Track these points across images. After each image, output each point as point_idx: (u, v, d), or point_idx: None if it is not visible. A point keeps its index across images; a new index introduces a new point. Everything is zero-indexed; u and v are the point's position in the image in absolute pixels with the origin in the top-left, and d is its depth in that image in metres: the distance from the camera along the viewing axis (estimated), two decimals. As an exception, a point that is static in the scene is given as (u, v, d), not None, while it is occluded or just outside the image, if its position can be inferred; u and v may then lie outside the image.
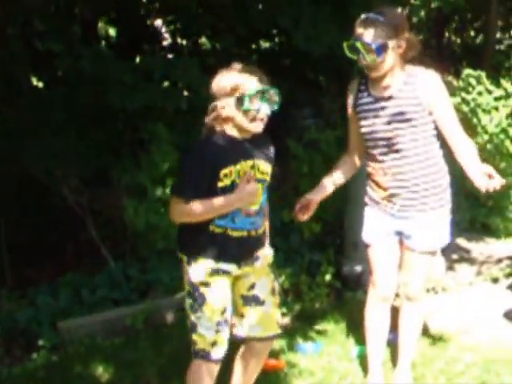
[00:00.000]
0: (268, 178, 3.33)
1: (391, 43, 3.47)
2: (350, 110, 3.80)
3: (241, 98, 3.14)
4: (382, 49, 3.45)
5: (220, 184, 3.16)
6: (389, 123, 3.60)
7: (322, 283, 5.21)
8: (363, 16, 3.51)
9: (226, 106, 3.16)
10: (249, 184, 3.17)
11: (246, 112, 3.16)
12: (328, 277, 5.20)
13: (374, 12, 3.50)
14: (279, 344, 4.49)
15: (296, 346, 4.50)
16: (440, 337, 4.62)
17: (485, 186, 3.45)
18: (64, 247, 5.58)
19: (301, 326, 4.81)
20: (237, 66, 3.24)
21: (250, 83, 3.16)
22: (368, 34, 3.46)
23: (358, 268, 5.18)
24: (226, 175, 3.16)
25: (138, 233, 5.15)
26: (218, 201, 3.16)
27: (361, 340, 4.11)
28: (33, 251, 5.47)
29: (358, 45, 3.48)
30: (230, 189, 3.17)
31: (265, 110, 3.19)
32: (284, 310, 4.95)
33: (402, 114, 3.57)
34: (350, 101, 3.78)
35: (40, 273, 5.23)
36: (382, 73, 3.57)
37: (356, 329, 4.26)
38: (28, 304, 4.86)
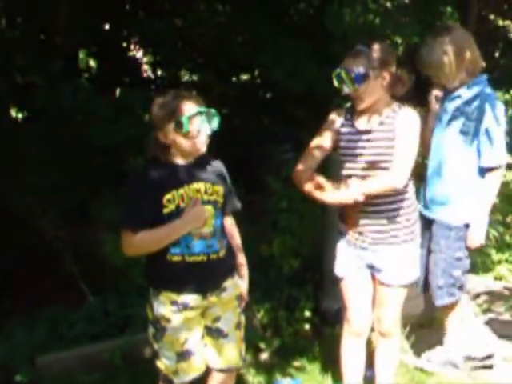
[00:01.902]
0: (219, 199, 3.35)
1: (373, 73, 3.56)
2: (329, 134, 3.82)
3: (179, 121, 3.17)
4: (361, 77, 3.55)
5: (165, 210, 3.20)
6: (367, 168, 3.66)
7: (301, 319, 5.19)
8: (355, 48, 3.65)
9: (167, 133, 3.20)
10: (194, 207, 3.20)
11: (186, 134, 3.19)
12: (307, 312, 5.19)
13: (363, 44, 3.64)
14: (258, 380, 4.49)
15: (274, 382, 4.49)
16: (419, 373, 4.63)
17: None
18: (42, 281, 5.53)
19: (279, 361, 4.80)
20: (171, 92, 3.30)
21: (186, 106, 3.21)
22: (351, 63, 3.58)
23: (337, 304, 5.17)
24: (169, 201, 3.20)
25: (117, 268, 5.14)
26: (165, 228, 3.20)
27: (339, 376, 4.10)
28: (10, 285, 5.42)
29: (342, 73, 3.59)
30: (176, 214, 3.21)
31: (205, 130, 3.23)
32: (262, 345, 4.95)
33: (378, 160, 3.63)
34: (333, 126, 3.82)
35: (17, 307, 5.18)
36: (368, 104, 3.64)
37: (334, 365, 4.26)
38: (5, 339, 4.80)
